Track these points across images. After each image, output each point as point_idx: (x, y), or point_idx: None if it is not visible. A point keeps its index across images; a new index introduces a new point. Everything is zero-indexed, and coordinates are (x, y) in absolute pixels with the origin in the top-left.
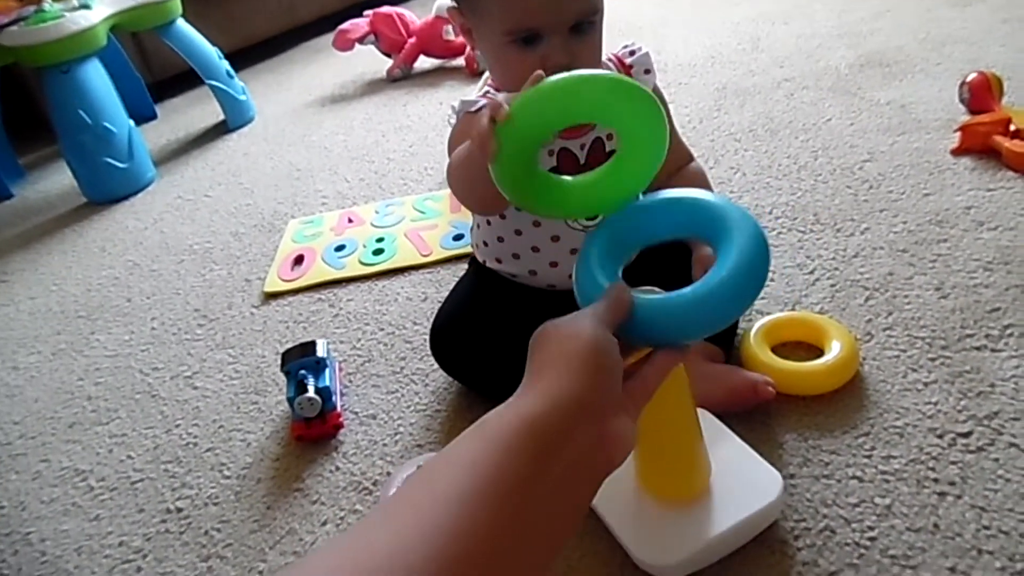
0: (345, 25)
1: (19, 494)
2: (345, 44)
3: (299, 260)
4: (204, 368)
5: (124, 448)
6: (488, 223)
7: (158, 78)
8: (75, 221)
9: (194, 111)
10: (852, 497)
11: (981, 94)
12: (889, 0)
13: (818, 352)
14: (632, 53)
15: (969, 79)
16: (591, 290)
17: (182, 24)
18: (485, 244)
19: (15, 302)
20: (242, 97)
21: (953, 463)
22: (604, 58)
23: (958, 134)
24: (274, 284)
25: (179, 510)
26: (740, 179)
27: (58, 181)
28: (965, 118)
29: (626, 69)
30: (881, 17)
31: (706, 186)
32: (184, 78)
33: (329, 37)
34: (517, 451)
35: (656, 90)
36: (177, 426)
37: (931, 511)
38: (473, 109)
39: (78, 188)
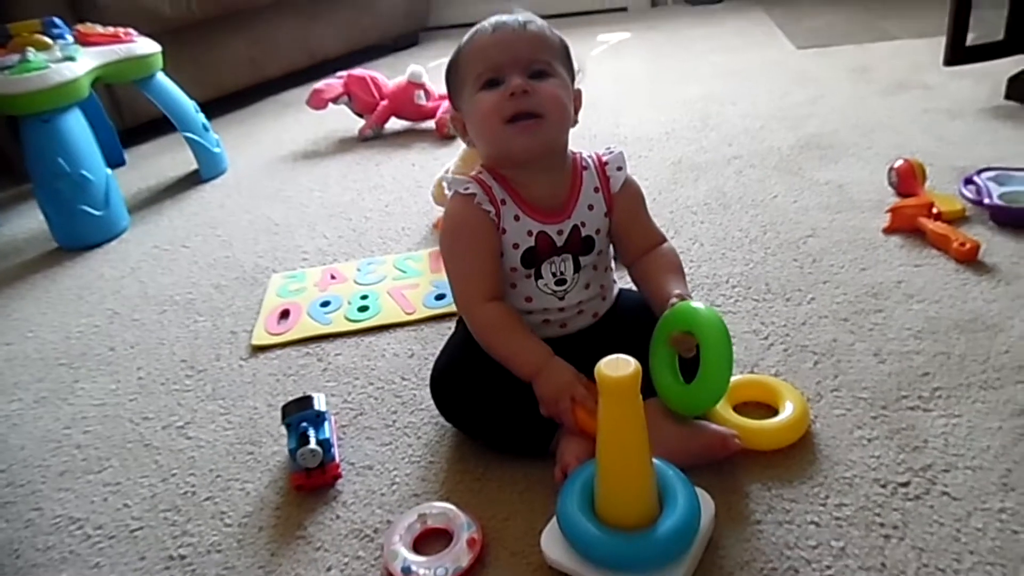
0: (320, 85)
1: (12, 543)
2: (319, 103)
3: (285, 314)
4: (196, 419)
5: (120, 496)
6: None
7: (128, 125)
8: (46, 267)
9: (163, 159)
10: (811, 540)
11: (907, 179)
12: (823, 86)
13: (773, 411)
14: (609, 152)
15: (896, 165)
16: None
17: (162, 77)
18: None
19: None
20: (216, 149)
21: (895, 510)
22: (587, 155)
23: (888, 215)
24: (261, 337)
25: (182, 557)
26: (699, 249)
27: (24, 225)
28: (894, 200)
29: (603, 167)
30: (816, 102)
31: (676, 266)
32: (152, 126)
33: (296, 92)
34: None
35: (628, 181)
36: (173, 475)
37: (878, 552)
38: (463, 190)
39: (47, 233)
